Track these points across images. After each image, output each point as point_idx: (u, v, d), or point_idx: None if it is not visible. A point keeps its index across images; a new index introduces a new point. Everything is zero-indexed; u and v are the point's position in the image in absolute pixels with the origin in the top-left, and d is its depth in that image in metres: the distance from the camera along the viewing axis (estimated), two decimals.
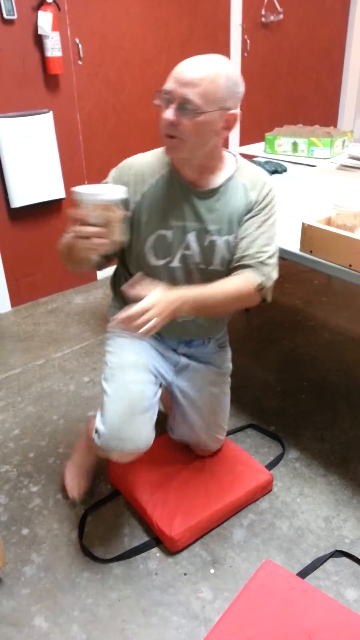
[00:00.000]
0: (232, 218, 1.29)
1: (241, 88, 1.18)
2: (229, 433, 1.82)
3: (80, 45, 2.64)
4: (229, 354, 1.63)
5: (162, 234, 1.29)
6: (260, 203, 1.29)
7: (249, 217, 1.29)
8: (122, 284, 1.27)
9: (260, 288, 1.25)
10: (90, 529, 1.56)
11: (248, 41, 3.35)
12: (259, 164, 2.32)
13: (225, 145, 2.47)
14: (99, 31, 2.68)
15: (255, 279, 1.25)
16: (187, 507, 1.52)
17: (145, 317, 1.06)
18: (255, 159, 2.55)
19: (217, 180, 1.28)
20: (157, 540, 1.51)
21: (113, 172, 1.33)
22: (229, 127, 1.19)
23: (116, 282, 1.49)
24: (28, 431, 1.94)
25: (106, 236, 1.05)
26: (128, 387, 1.36)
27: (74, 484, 1.63)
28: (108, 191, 1.04)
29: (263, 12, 3.37)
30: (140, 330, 1.06)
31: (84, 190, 1.02)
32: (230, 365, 1.63)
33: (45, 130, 2.59)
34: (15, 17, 2.35)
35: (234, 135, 3.50)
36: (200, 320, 1.42)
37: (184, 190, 1.27)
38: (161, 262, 1.32)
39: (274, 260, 1.29)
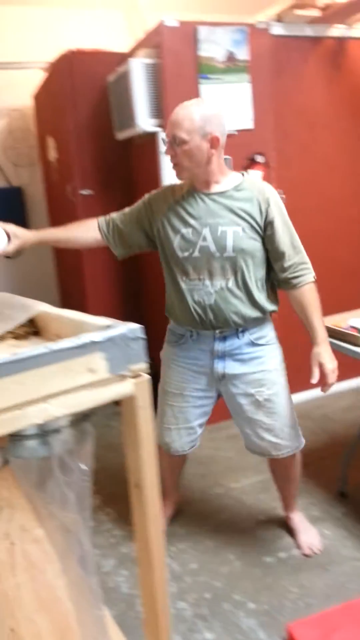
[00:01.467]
0: (239, 214, 1.63)
1: (217, 117, 1.59)
2: None
3: (284, 196, 2.90)
4: (271, 353, 1.79)
5: (183, 232, 1.67)
6: (270, 206, 1.65)
7: (268, 221, 1.65)
8: (169, 295, 1.79)
9: (315, 279, 1.72)
10: None
11: None
12: None
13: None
14: (300, 181, 2.92)
15: (310, 279, 1.72)
16: None
17: (334, 376, 1.72)
18: None
19: (225, 186, 1.67)
20: None
21: (148, 195, 1.80)
22: (214, 146, 1.59)
23: (167, 297, 1.83)
24: (205, 567, 1.95)
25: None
26: (173, 410, 1.88)
27: None
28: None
29: None
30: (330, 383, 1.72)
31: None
32: (276, 366, 1.79)
33: None
34: None
35: None
36: (233, 307, 1.69)
37: (198, 197, 1.67)
38: (186, 254, 1.67)
39: (305, 254, 1.73)
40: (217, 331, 1.73)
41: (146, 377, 0.97)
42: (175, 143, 1.58)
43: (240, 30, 2.57)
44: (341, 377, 3.27)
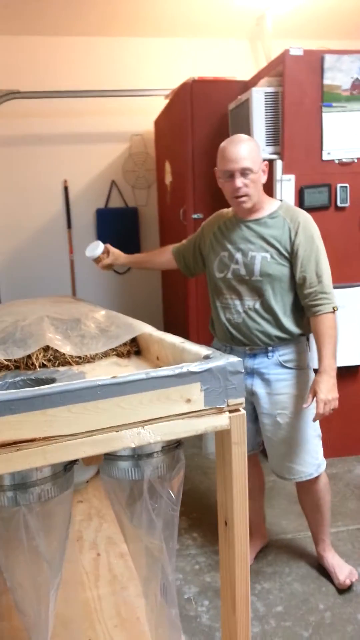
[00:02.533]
0: (269, 240, 1.73)
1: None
2: None
3: None
4: (299, 378, 1.80)
5: (222, 255, 1.82)
6: (298, 233, 1.72)
7: (297, 248, 1.72)
8: (215, 318, 1.90)
9: (335, 309, 1.72)
10: None
11: None
12: None
13: None
14: None
15: (327, 309, 1.72)
16: None
17: (327, 407, 1.68)
18: None
19: (262, 214, 1.78)
20: None
21: (203, 222, 2.00)
22: (265, 173, 1.75)
23: (210, 322, 1.97)
24: (291, 613, 1.85)
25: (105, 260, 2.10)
26: None
27: None
28: (90, 247, 2.11)
29: None
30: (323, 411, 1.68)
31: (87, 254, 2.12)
32: (302, 392, 1.79)
33: (355, 301, 2.70)
34: (347, 204, 2.62)
35: None
36: (259, 326, 1.77)
37: (238, 223, 1.80)
38: (221, 275, 1.81)
39: (330, 284, 1.74)
40: (247, 348, 1.81)
41: (243, 412, 0.95)
42: (244, 175, 1.69)
43: None
44: None
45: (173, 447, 0.99)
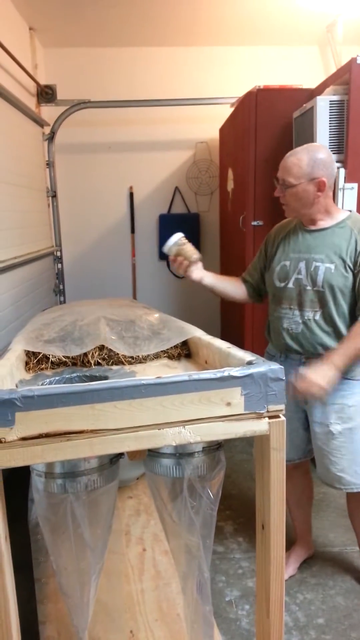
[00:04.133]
0: (335, 251, 1.70)
1: (325, 162, 1.67)
2: None
3: None
4: (354, 389, 1.76)
5: (284, 264, 1.80)
6: None
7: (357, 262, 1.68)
8: (273, 326, 1.88)
9: None
10: None
11: None
12: None
13: None
14: None
15: None
16: None
17: (309, 388, 1.62)
18: None
19: (327, 224, 1.74)
20: None
21: (268, 234, 1.96)
22: (321, 190, 1.68)
23: (267, 328, 1.94)
24: (333, 626, 1.82)
25: (185, 259, 1.82)
26: None
27: None
28: (171, 239, 1.80)
29: None
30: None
31: (165, 245, 1.81)
32: (356, 403, 1.76)
33: None
34: None
35: None
36: (318, 338, 1.74)
37: (302, 233, 1.78)
38: (282, 285, 1.79)
39: None
40: (303, 357, 1.79)
41: (282, 419, 0.97)
42: (284, 186, 1.71)
43: None
44: None
45: (214, 448, 1.03)
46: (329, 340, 1.74)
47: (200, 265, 1.86)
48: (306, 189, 1.69)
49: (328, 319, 1.73)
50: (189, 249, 1.81)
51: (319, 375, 1.61)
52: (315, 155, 1.69)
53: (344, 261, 1.69)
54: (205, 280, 1.87)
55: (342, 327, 1.72)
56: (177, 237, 1.80)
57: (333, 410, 1.78)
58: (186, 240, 1.82)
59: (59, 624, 1.44)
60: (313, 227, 1.77)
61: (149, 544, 1.85)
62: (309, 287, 1.74)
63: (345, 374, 1.76)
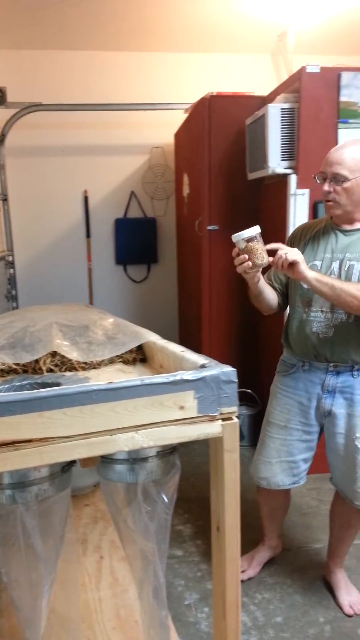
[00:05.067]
0: None
1: None
2: None
3: None
4: None
5: (313, 264, 1.70)
6: None
7: None
8: (288, 324, 1.81)
9: None
10: None
11: None
12: None
13: None
14: None
15: None
16: None
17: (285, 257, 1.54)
18: None
19: None
20: None
21: (294, 230, 1.91)
22: None
23: (286, 325, 1.84)
24: (290, 624, 1.85)
25: (251, 260, 1.56)
26: (275, 443, 1.86)
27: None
28: (247, 230, 1.54)
29: None
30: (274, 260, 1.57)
31: (236, 233, 1.56)
32: None
33: None
34: None
35: None
36: (352, 342, 1.66)
37: (334, 232, 1.71)
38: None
39: None
40: (332, 365, 1.72)
41: (235, 420, 0.98)
42: (335, 180, 1.61)
43: None
44: None
45: (168, 452, 1.02)
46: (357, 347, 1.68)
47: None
48: (358, 183, 1.61)
49: None
50: (261, 250, 1.56)
51: (299, 257, 1.55)
52: None
53: None
54: (260, 282, 1.72)
55: None
56: (256, 232, 1.56)
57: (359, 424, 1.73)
58: (262, 240, 1.58)
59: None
60: (349, 227, 1.70)
61: (106, 551, 1.82)
62: None
63: None
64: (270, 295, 1.80)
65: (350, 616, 1.88)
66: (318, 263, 1.70)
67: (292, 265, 1.55)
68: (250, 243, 1.55)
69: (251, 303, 1.87)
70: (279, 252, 1.56)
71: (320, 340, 1.69)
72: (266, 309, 1.83)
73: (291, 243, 1.83)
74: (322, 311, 1.69)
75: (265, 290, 1.77)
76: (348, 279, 1.64)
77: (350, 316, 1.65)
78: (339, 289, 1.56)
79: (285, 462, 1.86)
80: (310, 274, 1.56)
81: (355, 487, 1.77)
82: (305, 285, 1.66)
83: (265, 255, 1.56)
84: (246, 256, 1.56)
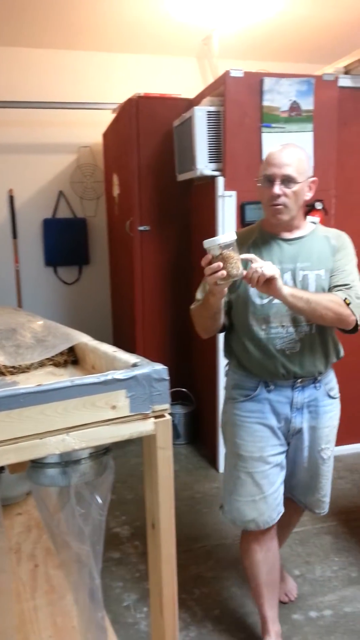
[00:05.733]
0: (319, 257, 1.60)
1: (312, 163, 1.55)
2: None
3: None
4: (338, 407, 1.72)
5: None
6: (341, 248, 1.62)
7: (335, 259, 1.60)
8: (236, 346, 1.66)
9: (348, 303, 1.52)
10: None
11: None
12: None
13: None
14: None
15: (342, 296, 1.53)
16: None
17: (259, 265, 1.42)
18: None
19: (302, 232, 1.64)
20: None
21: None
22: (310, 190, 1.61)
23: (230, 346, 1.71)
24: (228, 616, 1.89)
25: (224, 269, 1.37)
26: (254, 478, 1.65)
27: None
28: (223, 236, 1.38)
29: None
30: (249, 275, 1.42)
31: (210, 239, 1.38)
32: (338, 422, 1.72)
33: None
34: None
35: None
36: (318, 353, 1.60)
37: (276, 243, 1.62)
38: (265, 301, 1.58)
39: (357, 288, 1.58)
40: (299, 381, 1.62)
41: (168, 418, 0.99)
42: (286, 183, 1.53)
43: (307, 82, 2.62)
44: None
45: (101, 453, 1.02)
46: (326, 354, 1.63)
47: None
48: (304, 188, 1.57)
49: (322, 329, 1.61)
50: (237, 260, 1.38)
51: (264, 264, 1.43)
52: (307, 155, 1.61)
53: (327, 267, 1.60)
54: (223, 300, 1.54)
55: (333, 335, 1.65)
56: (233, 239, 1.39)
57: (324, 434, 1.68)
58: (237, 248, 1.41)
59: None
60: (290, 236, 1.62)
61: (41, 559, 1.78)
62: None
63: (331, 392, 1.69)
64: (221, 314, 1.61)
65: (285, 603, 1.94)
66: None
67: (269, 280, 1.42)
68: (225, 250, 1.36)
69: (193, 324, 1.69)
70: (254, 266, 1.43)
71: (288, 357, 1.58)
72: (213, 329, 1.66)
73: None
74: (282, 326, 1.58)
75: (221, 311, 1.58)
76: (305, 288, 1.57)
77: (313, 327, 1.59)
78: (314, 303, 1.49)
79: (270, 495, 1.65)
80: (287, 290, 1.46)
81: (318, 496, 1.75)
82: (258, 302, 1.58)
83: (240, 266, 1.39)
84: (220, 264, 1.36)
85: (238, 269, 1.38)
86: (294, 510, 1.88)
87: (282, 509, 1.68)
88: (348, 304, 1.52)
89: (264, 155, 2.62)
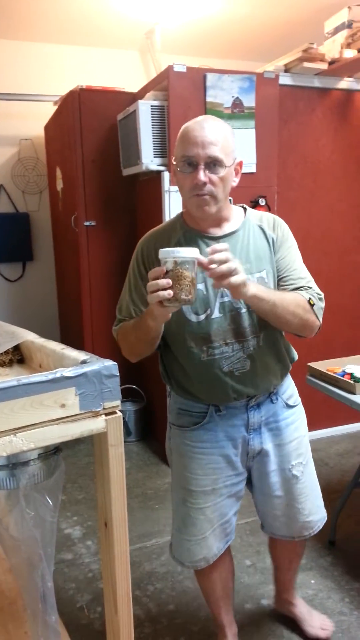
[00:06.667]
0: (258, 255, 1.35)
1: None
2: None
3: None
4: (301, 414, 1.54)
5: (197, 289, 1.28)
6: (282, 241, 1.39)
7: (279, 256, 1.38)
8: (174, 369, 1.42)
9: (312, 304, 1.33)
10: None
11: None
12: None
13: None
14: (303, 227, 2.96)
15: (305, 296, 1.34)
16: None
17: (226, 261, 1.14)
18: None
19: (233, 226, 1.36)
20: None
21: (139, 246, 1.44)
22: (237, 174, 1.33)
23: (167, 369, 1.47)
24: (182, 610, 1.90)
25: (174, 289, 1.11)
26: (205, 513, 1.46)
27: None
28: (183, 249, 1.14)
29: None
30: (219, 271, 1.13)
31: (166, 249, 1.15)
32: (306, 429, 1.56)
33: None
34: None
35: None
36: (271, 367, 1.41)
37: (204, 242, 1.33)
38: (202, 317, 1.32)
39: (314, 284, 1.40)
40: (253, 399, 1.41)
41: (119, 414, 0.98)
42: (213, 167, 1.24)
43: (248, 79, 2.65)
44: (336, 422, 3.24)
45: (51, 453, 0.99)
46: (278, 365, 1.43)
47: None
48: (231, 171, 1.29)
49: (271, 340, 1.39)
50: (191, 283, 1.12)
51: (240, 269, 1.17)
52: (229, 128, 1.31)
53: (271, 263, 1.37)
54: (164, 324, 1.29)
55: (284, 341, 1.46)
56: (192, 256, 1.13)
57: (292, 449, 1.49)
58: (196, 270, 1.15)
59: None
60: (219, 232, 1.35)
61: None
62: (243, 310, 1.33)
63: (290, 401, 1.50)
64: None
65: (326, 638, 1.74)
66: (200, 286, 1.31)
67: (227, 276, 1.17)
68: (180, 268, 1.11)
69: (119, 346, 1.48)
70: (218, 256, 1.15)
71: (238, 378, 1.36)
72: (147, 353, 1.41)
73: (146, 262, 1.39)
74: (226, 344, 1.34)
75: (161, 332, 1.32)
76: None
77: (260, 338, 1.37)
78: (281, 307, 1.27)
79: (219, 527, 1.50)
80: (252, 290, 1.21)
81: (301, 518, 1.54)
82: (194, 319, 1.32)
83: (194, 291, 1.13)
84: (170, 282, 1.10)
85: (188, 294, 1.12)
86: (288, 550, 1.69)
87: (230, 538, 1.55)
88: (312, 305, 1.34)
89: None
